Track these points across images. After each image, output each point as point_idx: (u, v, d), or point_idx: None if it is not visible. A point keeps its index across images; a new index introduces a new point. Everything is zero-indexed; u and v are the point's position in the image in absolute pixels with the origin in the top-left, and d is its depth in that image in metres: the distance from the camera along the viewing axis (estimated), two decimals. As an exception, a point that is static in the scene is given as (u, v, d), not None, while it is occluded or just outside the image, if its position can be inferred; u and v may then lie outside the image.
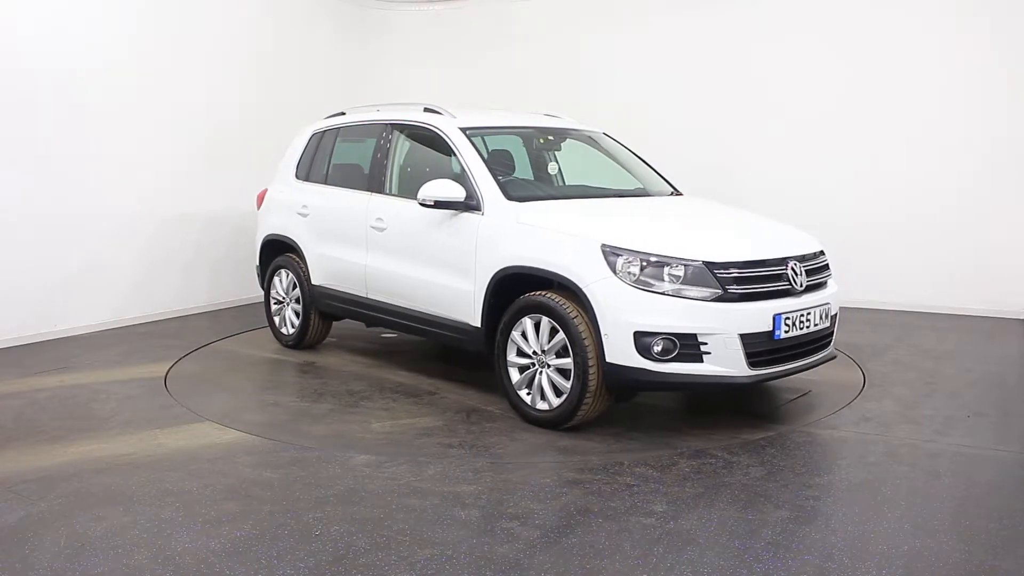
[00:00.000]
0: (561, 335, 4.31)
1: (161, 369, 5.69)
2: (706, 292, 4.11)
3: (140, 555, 3.00)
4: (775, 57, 8.23)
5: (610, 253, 4.22)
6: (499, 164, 5.48)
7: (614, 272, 4.17)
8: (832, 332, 4.77)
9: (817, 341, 4.59)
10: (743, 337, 4.11)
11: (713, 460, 4.00)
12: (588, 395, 4.26)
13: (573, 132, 6.00)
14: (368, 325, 6.18)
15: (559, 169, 5.94)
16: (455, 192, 4.85)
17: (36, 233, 6.44)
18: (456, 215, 4.94)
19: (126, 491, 3.59)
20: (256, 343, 6.60)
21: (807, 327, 4.40)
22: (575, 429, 4.39)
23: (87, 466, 3.89)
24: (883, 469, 3.86)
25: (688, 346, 4.09)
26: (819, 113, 8.08)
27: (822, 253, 4.83)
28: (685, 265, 4.13)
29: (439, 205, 4.90)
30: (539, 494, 3.56)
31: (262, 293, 6.63)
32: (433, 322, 5.17)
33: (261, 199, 6.70)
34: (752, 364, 4.16)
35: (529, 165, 5.87)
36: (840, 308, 4.91)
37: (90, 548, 3.06)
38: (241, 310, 7.93)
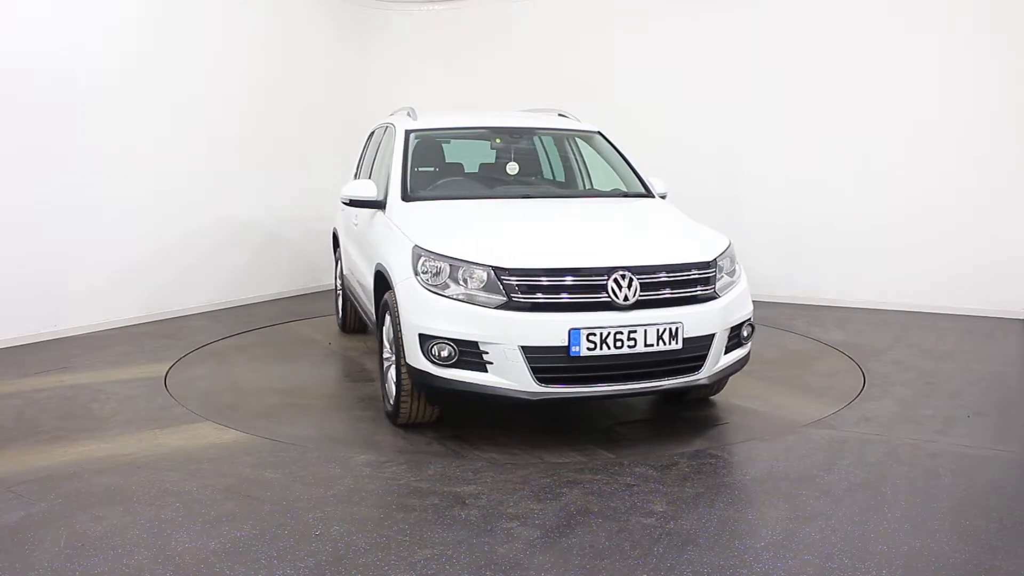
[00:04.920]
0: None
1: (161, 369, 5.70)
2: (494, 299, 3.94)
3: (140, 555, 3.00)
4: (774, 58, 8.23)
5: (416, 255, 4.20)
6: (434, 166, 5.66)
7: (416, 273, 4.15)
8: (701, 356, 4.13)
9: (663, 364, 4.05)
10: (526, 350, 3.86)
11: (713, 460, 4.00)
12: (404, 395, 4.29)
13: (567, 132, 5.90)
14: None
15: (519, 168, 5.73)
16: (367, 192, 5.04)
17: (37, 233, 6.44)
18: (375, 213, 5.13)
19: (126, 491, 3.59)
20: (286, 332, 6.96)
21: (631, 346, 3.93)
22: (410, 428, 4.45)
23: (87, 466, 3.89)
24: (883, 469, 3.86)
25: (469, 354, 3.94)
26: (819, 113, 8.09)
27: (706, 265, 4.23)
28: (476, 270, 4.00)
29: (353, 203, 5.10)
30: (539, 494, 3.55)
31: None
32: (367, 314, 5.45)
33: None
34: (542, 380, 3.90)
35: (479, 165, 5.87)
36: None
37: (90, 548, 3.06)
38: (242, 310, 7.94)
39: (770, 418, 4.68)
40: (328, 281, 9.13)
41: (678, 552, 3.03)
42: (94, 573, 2.88)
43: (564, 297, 3.95)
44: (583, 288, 3.97)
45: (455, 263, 4.05)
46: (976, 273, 7.55)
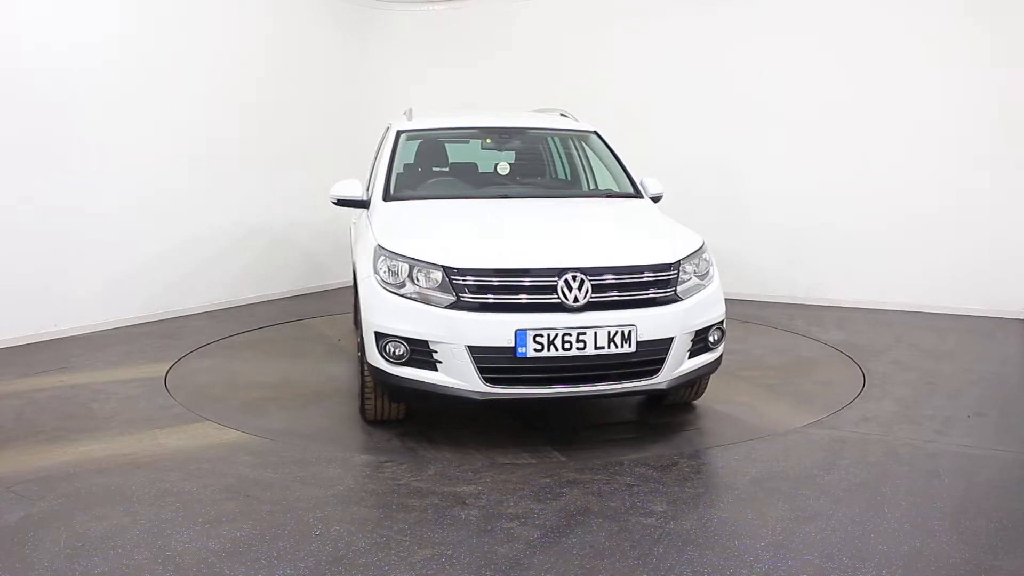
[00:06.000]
0: None
1: (161, 369, 5.70)
2: (445, 299, 3.95)
3: (140, 555, 3.00)
4: (775, 58, 8.23)
5: (377, 254, 4.23)
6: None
7: (375, 272, 4.18)
8: (658, 360, 4.04)
9: (616, 367, 3.98)
10: (473, 350, 3.87)
11: (713, 460, 4.00)
12: (368, 392, 4.34)
13: (562, 132, 5.85)
14: None
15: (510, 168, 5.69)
16: (352, 191, 5.11)
17: (37, 233, 6.44)
18: (363, 212, 5.18)
19: (126, 491, 3.59)
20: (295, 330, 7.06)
21: (580, 348, 3.88)
22: (379, 424, 4.50)
23: (87, 466, 3.89)
24: (883, 469, 3.86)
25: (420, 352, 3.97)
26: (819, 113, 8.09)
27: (665, 267, 4.13)
28: (431, 270, 4.01)
29: (341, 203, 5.16)
30: (539, 494, 3.55)
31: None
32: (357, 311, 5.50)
33: None
34: (490, 380, 3.90)
35: (471, 165, 5.85)
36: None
37: (90, 548, 3.06)
38: (242, 310, 7.94)
39: (769, 418, 4.67)
40: (330, 281, 9.18)
41: (678, 552, 3.03)
42: (94, 573, 2.88)
43: (510, 298, 3.93)
44: (533, 289, 3.93)
45: (412, 263, 4.08)
46: (976, 273, 7.55)
